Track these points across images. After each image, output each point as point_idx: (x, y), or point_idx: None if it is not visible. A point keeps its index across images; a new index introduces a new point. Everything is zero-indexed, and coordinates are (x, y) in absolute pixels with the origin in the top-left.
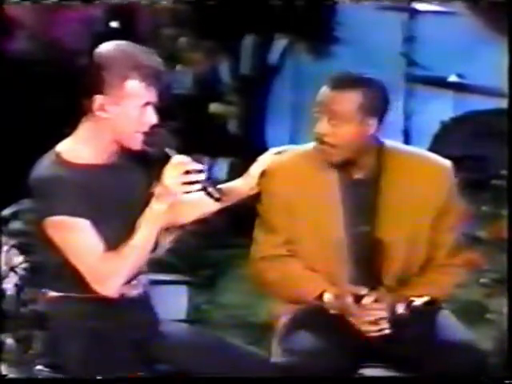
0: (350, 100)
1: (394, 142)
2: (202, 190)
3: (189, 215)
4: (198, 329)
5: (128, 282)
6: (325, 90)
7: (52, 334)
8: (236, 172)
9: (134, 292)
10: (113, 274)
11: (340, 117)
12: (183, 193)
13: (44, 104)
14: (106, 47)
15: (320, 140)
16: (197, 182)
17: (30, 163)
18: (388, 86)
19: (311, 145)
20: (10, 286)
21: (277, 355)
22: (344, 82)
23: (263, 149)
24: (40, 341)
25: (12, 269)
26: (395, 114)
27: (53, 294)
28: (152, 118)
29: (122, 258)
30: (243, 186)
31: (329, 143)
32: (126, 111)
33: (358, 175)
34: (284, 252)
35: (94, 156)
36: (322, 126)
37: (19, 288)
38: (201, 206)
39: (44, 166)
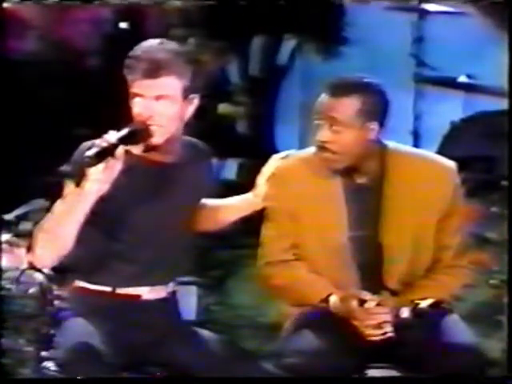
0: (349, 106)
1: (397, 144)
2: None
3: (228, 217)
4: (212, 334)
5: (151, 285)
6: (323, 97)
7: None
8: (245, 173)
9: (152, 295)
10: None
11: (340, 123)
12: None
13: (53, 105)
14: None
15: (321, 147)
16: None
17: (38, 163)
18: (397, 86)
19: (314, 150)
20: (33, 285)
21: (283, 356)
22: (341, 88)
23: (272, 150)
24: (54, 340)
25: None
26: (405, 115)
27: (77, 284)
28: (141, 110)
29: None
30: (255, 197)
31: (330, 150)
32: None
33: (361, 180)
34: (290, 256)
35: None
36: (323, 134)
37: (43, 288)
38: (240, 208)
39: None
